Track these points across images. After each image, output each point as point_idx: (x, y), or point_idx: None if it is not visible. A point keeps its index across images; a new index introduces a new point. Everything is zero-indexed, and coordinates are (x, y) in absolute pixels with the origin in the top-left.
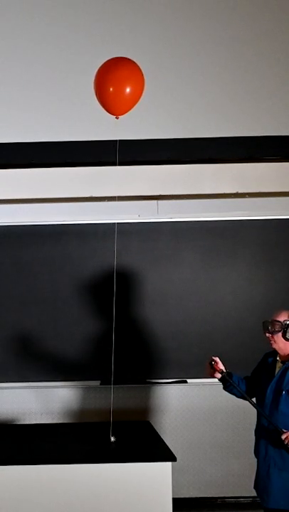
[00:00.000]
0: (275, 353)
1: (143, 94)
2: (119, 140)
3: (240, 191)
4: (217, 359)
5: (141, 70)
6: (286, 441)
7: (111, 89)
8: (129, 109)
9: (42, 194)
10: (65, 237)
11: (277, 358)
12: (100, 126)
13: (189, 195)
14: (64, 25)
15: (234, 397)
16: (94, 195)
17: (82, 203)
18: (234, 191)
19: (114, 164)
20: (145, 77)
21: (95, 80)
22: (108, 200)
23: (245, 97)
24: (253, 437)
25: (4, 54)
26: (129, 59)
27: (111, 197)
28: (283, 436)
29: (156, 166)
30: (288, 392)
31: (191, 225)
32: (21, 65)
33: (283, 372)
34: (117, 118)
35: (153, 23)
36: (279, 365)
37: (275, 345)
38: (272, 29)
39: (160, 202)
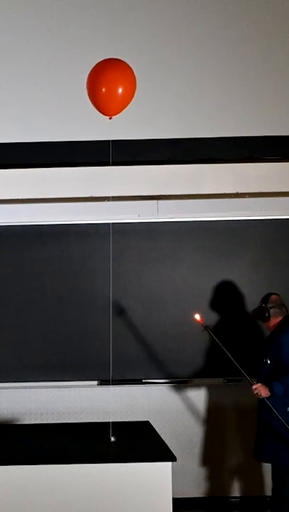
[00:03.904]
0: None
1: (144, 94)
2: (120, 140)
3: (240, 191)
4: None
5: (133, 71)
6: (255, 391)
7: (103, 90)
8: (122, 109)
9: (42, 194)
10: (65, 237)
11: None
12: (100, 127)
13: (189, 195)
14: (64, 25)
15: (233, 397)
16: (94, 195)
17: (82, 203)
18: (234, 191)
19: (113, 164)
20: (145, 77)
21: (87, 82)
22: (107, 200)
23: (245, 97)
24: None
25: (4, 54)
26: (120, 60)
27: (106, 197)
28: (254, 387)
29: (156, 166)
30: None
31: (191, 225)
32: (21, 65)
33: None
34: (110, 118)
35: (153, 22)
36: None
37: None
38: (272, 29)
39: (160, 202)
